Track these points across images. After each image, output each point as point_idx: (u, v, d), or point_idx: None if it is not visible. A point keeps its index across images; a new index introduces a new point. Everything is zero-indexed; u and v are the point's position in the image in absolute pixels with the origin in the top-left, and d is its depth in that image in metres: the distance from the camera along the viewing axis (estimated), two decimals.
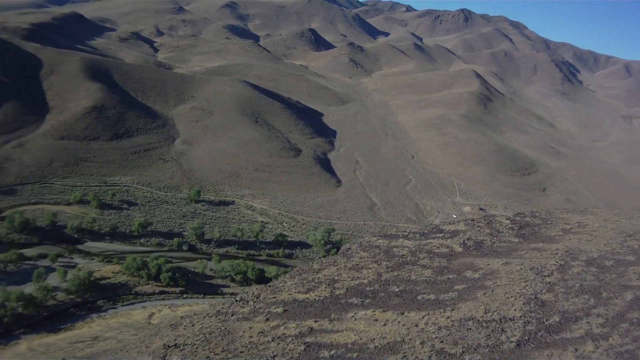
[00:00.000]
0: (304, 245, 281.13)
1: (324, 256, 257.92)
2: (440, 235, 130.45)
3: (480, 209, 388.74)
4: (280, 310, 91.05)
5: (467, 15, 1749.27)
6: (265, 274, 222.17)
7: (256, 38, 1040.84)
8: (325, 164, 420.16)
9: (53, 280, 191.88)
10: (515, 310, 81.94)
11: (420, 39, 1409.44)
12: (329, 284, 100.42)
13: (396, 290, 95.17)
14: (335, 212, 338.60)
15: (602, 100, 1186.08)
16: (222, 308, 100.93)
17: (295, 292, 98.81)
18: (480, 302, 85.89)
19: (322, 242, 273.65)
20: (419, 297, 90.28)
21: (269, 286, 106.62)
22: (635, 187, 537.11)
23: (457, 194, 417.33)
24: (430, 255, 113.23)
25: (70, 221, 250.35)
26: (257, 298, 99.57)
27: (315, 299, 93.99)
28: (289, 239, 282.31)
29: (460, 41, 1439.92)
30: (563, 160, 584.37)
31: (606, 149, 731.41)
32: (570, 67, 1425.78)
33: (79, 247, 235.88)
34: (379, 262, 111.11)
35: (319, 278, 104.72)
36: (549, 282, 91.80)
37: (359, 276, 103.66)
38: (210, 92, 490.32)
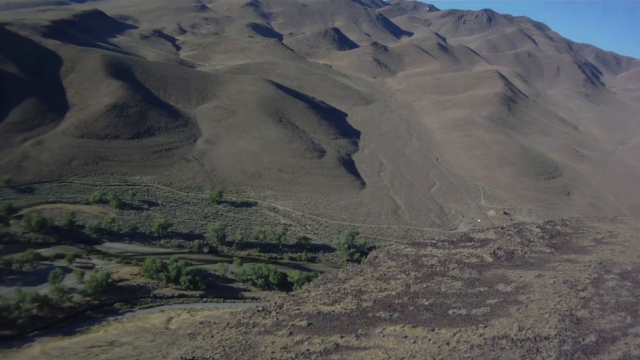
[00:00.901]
0: (327, 248, 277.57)
1: (348, 260, 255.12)
2: (469, 244, 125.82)
3: (505, 213, 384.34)
4: (304, 323, 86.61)
5: (490, 16, 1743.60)
6: (288, 278, 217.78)
7: (279, 37, 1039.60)
8: (349, 165, 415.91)
9: (70, 281, 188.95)
10: (550, 328, 77.39)
11: (444, 39, 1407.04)
12: (355, 296, 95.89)
13: (426, 303, 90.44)
14: (359, 215, 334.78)
15: (624, 102, 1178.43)
16: (243, 318, 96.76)
17: (320, 304, 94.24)
18: (514, 318, 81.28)
19: (346, 246, 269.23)
20: (450, 312, 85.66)
21: (293, 296, 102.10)
22: None
23: (482, 198, 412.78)
24: (460, 266, 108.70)
25: (89, 221, 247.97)
26: (280, 308, 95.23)
27: (341, 312, 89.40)
28: (312, 242, 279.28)
29: (483, 41, 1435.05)
30: (587, 163, 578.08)
31: (630, 152, 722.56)
32: (592, 69, 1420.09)
33: (97, 247, 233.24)
34: (407, 273, 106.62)
35: (345, 289, 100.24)
36: (584, 297, 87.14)
37: (386, 287, 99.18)
38: (234, 91, 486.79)
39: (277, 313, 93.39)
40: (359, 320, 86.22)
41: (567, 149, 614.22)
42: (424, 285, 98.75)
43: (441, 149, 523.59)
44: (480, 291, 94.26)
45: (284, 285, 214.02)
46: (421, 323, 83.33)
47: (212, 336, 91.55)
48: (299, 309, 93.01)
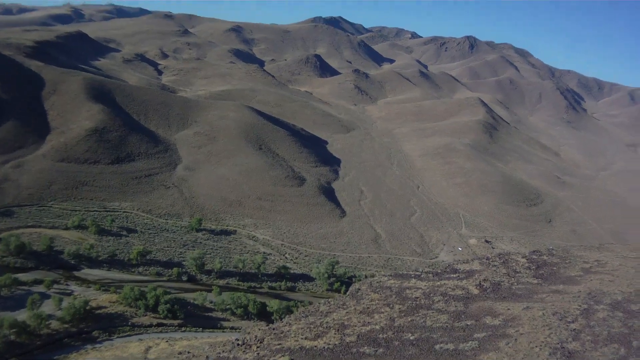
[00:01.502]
0: (307, 278, 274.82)
1: (328, 289, 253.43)
2: (454, 275, 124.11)
3: (486, 241, 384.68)
4: (286, 359, 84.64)
5: (472, 43, 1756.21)
6: (267, 308, 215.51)
7: (261, 63, 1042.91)
8: (329, 193, 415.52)
9: (48, 307, 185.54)
10: None
11: (426, 66, 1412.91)
12: (338, 330, 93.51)
13: (411, 338, 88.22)
14: (339, 244, 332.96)
15: (606, 128, 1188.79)
16: (223, 351, 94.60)
17: (302, 338, 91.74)
18: (503, 353, 79.44)
19: (326, 275, 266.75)
20: (437, 347, 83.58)
21: (273, 329, 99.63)
22: None
23: (463, 226, 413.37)
24: (446, 298, 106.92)
25: (68, 247, 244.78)
26: (260, 342, 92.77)
27: (324, 347, 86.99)
28: (292, 271, 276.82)
29: (465, 68, 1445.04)
30: (568, 190, 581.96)
31: (611, 178, 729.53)
32: (574, 95, 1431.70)
33: (76, 273, 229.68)
34: (391, 306, 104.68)
35: (327, 322, 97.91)
36: (574, 329, 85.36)
37: (370, 321, 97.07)
38: (214, 117, 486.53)
39: (257, 347, 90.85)
40: (342, 355, 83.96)
41: (548, 175, 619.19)
42: (409, 319, 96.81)
43: (422, 177, 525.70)
44: (467, 325, 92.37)
45: (264, 315, 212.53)
46: (407, 359, 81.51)
47: None
48: (280, 344, 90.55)
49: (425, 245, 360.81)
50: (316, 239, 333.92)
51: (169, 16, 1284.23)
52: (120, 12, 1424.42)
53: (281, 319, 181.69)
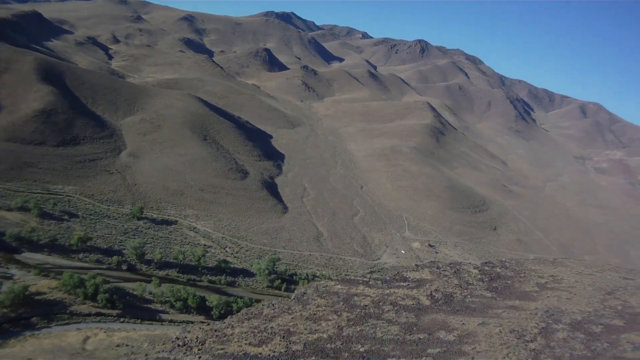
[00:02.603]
0: (247, 273, 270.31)
1: (268, 286, 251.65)
2: (404, 284, 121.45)
3: (430, 245, 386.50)
4: None
5: (423, 47, 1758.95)
6: (207, 302, 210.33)
7: (211, 53, 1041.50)
8: (272, 188, 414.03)
9: None
10: None
11: (375, 67, 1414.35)
12: (283, 337, 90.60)
13: (361, 350, 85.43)
14: (280, 240, 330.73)
15: (555, 139, 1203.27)
16: (163, 351, 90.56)
17: (245, 344, 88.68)
18: None
19: (267, 271, 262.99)
20: None
21: (215, 331, 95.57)
22: (588, 231, 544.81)
23: (407, 229, 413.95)
24: (396, 308, 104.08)
25: (9, 228, 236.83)
26: (202, 345, 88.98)
27: (269, 355, 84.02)
28: (232, 266, 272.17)
29: (415, 72, 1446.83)
30: (515, 199, 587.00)
31: (559, 189, 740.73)
32: (524, 105, 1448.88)
33: (17, 256, 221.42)
34: (338, 313, 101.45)
35: (272, 327, 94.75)
36: (534, 350, 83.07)
37: (317, 329, 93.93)
38: (161, 105, 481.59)
39: (199, 350, 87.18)
40: None
41: (495, 184, 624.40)
42: (358, 329, 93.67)
43: (366, 178, 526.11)
44: (420, 338, 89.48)
45: (203, 309, 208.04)
46: None
47: None
48: (222, 348, 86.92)
49: (367, 246, 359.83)
50: (257, 234, 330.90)
51: (123, 1, 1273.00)
52: None
53: (222, 318, 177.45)
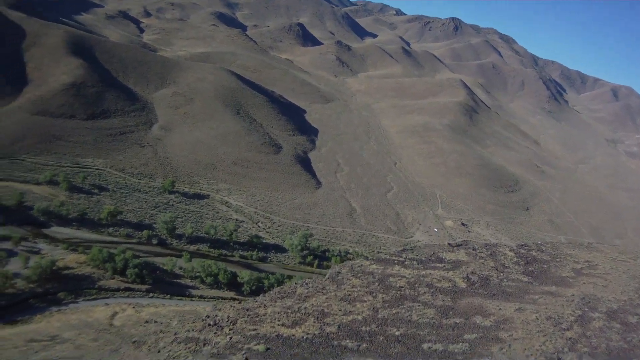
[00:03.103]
0: (279, 248, 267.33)
1: (300, 262, 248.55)
2: (440, 265, 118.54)
3: (463, 224, 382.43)
4: (261, 348, 78.04)
5: (457, 24, 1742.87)
6: (238, 278, 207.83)
7: (244, 27, 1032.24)
8: (305, 163, 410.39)
9: (14, 265, 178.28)
10: None
11: (408, 44, 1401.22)
12: (318, 318, 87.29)
13: (397, 333, 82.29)
14: (313, 216, 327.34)
15: (587, 122, 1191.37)
16: (193, 329, 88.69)
17: (278, 325, 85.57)
18: None
19: (299, 247, 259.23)
20: (425, 346, 77.66)
21: (247, 310, 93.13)
22: (618, 214, 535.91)
23: (440, 207, 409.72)
24: (432, 290, 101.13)
25: (38, 203, 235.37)
26: (233, 325, 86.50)
27: (302, 337, 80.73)
28: (264, 241, 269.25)
29: (448, 49, 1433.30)
30: (547, 180, 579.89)
31: (590, 172, 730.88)
32: (557, 86, 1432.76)
33: (45, 231, 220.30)
34: (374, 294, 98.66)
35: (305, 308, 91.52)
36: (570, 338, 79.99)
37: (352, 310, 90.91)
38: (193, 78, 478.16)
39: (230, 330, 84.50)
40: (322, 348, 77.84)
41: (527, 163, 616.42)
42: (393, 311, 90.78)
43: (399, 154, 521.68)
44: (456, 323, 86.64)
45: (234, 285, 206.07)
46: (393, 357, 75.65)
47: (159, 351, 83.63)
48: (255, 329, 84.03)
49: (400, 224, 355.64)
50: (290, 209, 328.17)
51: None
52: None
53: (253, 294, 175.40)
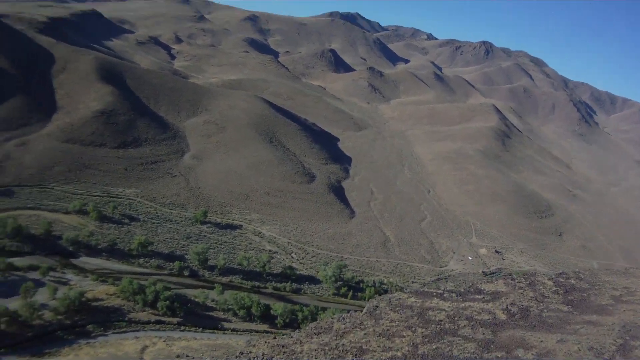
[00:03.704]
0: (313, 280, 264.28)
1: (334, 294, 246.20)
2: (479, 297, 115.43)
3: (497, 251, 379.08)
4: None
5: (488, 48, 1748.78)
6: (271, 311, 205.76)
7: (275, 54, 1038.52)
8: (339, 192, 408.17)
9: (42, 296, 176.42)
10: None
11: (440, 69, 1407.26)
12: (356, 355, 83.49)
13: None
14: (347, 246, 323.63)
15: (617, 143, 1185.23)
16: None
17: None
18: None
19: (333, 279, 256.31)
20: None
21: (283, 347, 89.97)
22: None
23: (473, 234, 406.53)
24: (472, 323, 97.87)
25: (67, 232, 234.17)
26: None
27: None
28: (298, 272, 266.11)
29: (479, 74, 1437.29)
30: (579, 204, 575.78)
31: (622, 194, 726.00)
32: (587, 108, 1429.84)
33: (73, 261, 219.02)
34: (413, 329, 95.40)
35: (343, 345, 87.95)
36: None
37: (391, 346, 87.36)
38: (225, 106, 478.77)
39: None
40: None
41: (559, 188, 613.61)
42: (434, 347, 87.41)
43: (433, 181, 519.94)
44: (498, 357, 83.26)
45: (267, 317, 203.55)
46: None
47: None
48: None
49: (434, 252, 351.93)
50: (324, 239, 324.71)
51: (185, 1, 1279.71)
52: None
53: (287, 327, 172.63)
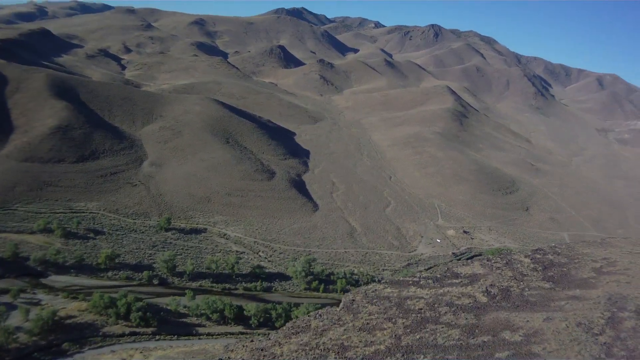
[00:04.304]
0: (283, 277, 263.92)
1: (305, 289, 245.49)
2: (457, 281, 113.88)
3: (465, 231, 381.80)
4: None
5: (437, 31, 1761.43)
6: (244, 312, 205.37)
7: (225, 55, 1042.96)
8: (300, 186, 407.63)
9: (15, 319, 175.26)
10: None
11: (390, 55, 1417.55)
12: (339, 353, 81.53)
13: None
14: (314, 240, 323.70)
15: (575, 114, 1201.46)
16: None
17: None
18: None
19: (303, 273, 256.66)
20: None
21: (262, 351, 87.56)
22: (617, 204, 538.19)
23: (440, 217, 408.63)
24: (453, 309, 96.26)
25: (34, 252, 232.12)
26: None
27: None
28: (267, 271, 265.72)
29: (430, 57, 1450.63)
30: (543, 177, 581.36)
31: (585, 164, 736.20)
32: (542, 82, 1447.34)
33: (43, 281, 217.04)
34: (393, 320, 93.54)
35: (324, 343, 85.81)
36: (605, 344, 75.52)
37: (373, 340, 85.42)
38: (179, 111, 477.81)
39: None
40: None
41: (521, 163, 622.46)
42: (417, 337, 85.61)
43: (393, 167, 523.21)
44: (484, 341, 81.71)
45: (241, 319, 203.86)
46: None
47: None
48: None
49: (402, 238, 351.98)
50: (290, 234, 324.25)
51: (131, 11, 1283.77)
52: (84, 9, 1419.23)
53: (261, 326, 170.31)
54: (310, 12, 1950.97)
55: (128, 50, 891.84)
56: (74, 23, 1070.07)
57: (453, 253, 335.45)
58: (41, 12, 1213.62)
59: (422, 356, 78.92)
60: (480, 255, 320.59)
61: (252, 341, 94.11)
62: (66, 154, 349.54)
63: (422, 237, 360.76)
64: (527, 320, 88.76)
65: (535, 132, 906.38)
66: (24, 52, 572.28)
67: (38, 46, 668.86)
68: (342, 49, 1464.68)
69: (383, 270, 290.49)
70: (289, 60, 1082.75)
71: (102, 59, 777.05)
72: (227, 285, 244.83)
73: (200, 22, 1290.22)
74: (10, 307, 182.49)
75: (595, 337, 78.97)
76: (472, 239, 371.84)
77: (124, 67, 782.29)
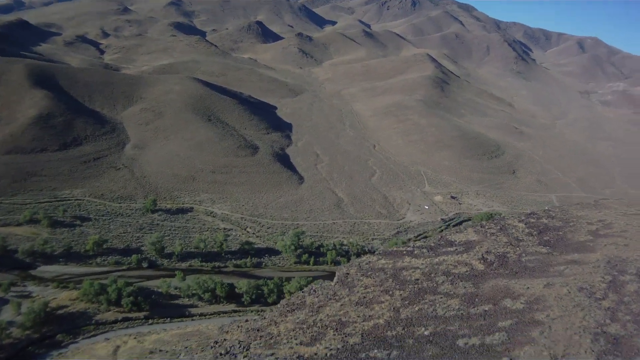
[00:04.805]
0: (272, 251, 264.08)
1: (295, 262, 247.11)
2: (452, 249, 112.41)
3: (452, 197, 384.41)
4: None
5: (414, 0, 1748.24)
6: (236, 289, 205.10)
7: (202, 34, 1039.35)
8: (284, 160, 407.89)
9: (7, 314, 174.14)
10: (586, 352, 64.48)
11: (369, 26, 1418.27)
12: (337, 329, 79.80)
13: (426, 333, 75.59)
14: (301, 212, 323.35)
15: (557, 77, 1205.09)
16: None
17: (296, 344, 78.25)
18: (541, 345, 67.67)
19: (292, 247, 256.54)
20: (460, 343, 71.17)
21: (259, 331, 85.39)
22: (602, 164, 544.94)
23: (426, 183, 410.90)
24: (450, 278, 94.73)
25: (21, 244, 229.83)
26: (247, 350, 78.85)
27: (325, 354, 73.40)
28: (256, 246, 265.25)
29: (409, 26, 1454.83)
30: (527, 140, 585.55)
31: (568, 126, 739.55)
32: (522, 46, 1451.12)
33: (32, 272, 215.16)
34: (390, 292, 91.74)
35: (321, 320, 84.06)
36: (609, 308, 74.52)
37: (371, 314, 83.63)
38: (160, 92, 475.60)
39: (245, 357, 76.88)
40: None
41: (505, 127, 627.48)
42: (416, 308, 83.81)
43: (377, 137, 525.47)
44: (486, 310, 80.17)
45: (233, 296, 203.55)
46: None
47: None
48: (272, 353, 76.02)
49: (389, 206, 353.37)
50: (277, 208, 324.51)
51: None
52: None
53: (254, 303, 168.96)
54: None
55: (106, 35, 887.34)
56: (52, 11, 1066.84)
57: (442, 219, 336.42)
58: (18, 4, 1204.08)
59: (423, 328, 77.23)
60: (469, 220, 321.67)
61: (247, 321, 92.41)
62: (48, 143, 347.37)
63: (409, 204, 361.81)
64: (528, 287, 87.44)
65: (518, 97, 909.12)
66: (2, 43, 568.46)
67: (17, 37, 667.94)
68: (320, 22, 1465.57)
69: (372, 239, 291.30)
70: (267, 36, 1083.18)
71: (80, 45, 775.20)
72: (217, 264, 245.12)
73: (176, 3, 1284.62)
74: (1, 301, 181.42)
75: (598, 302, 77.95)
76: (460, 204, 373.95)
77: (102, 52, 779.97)
